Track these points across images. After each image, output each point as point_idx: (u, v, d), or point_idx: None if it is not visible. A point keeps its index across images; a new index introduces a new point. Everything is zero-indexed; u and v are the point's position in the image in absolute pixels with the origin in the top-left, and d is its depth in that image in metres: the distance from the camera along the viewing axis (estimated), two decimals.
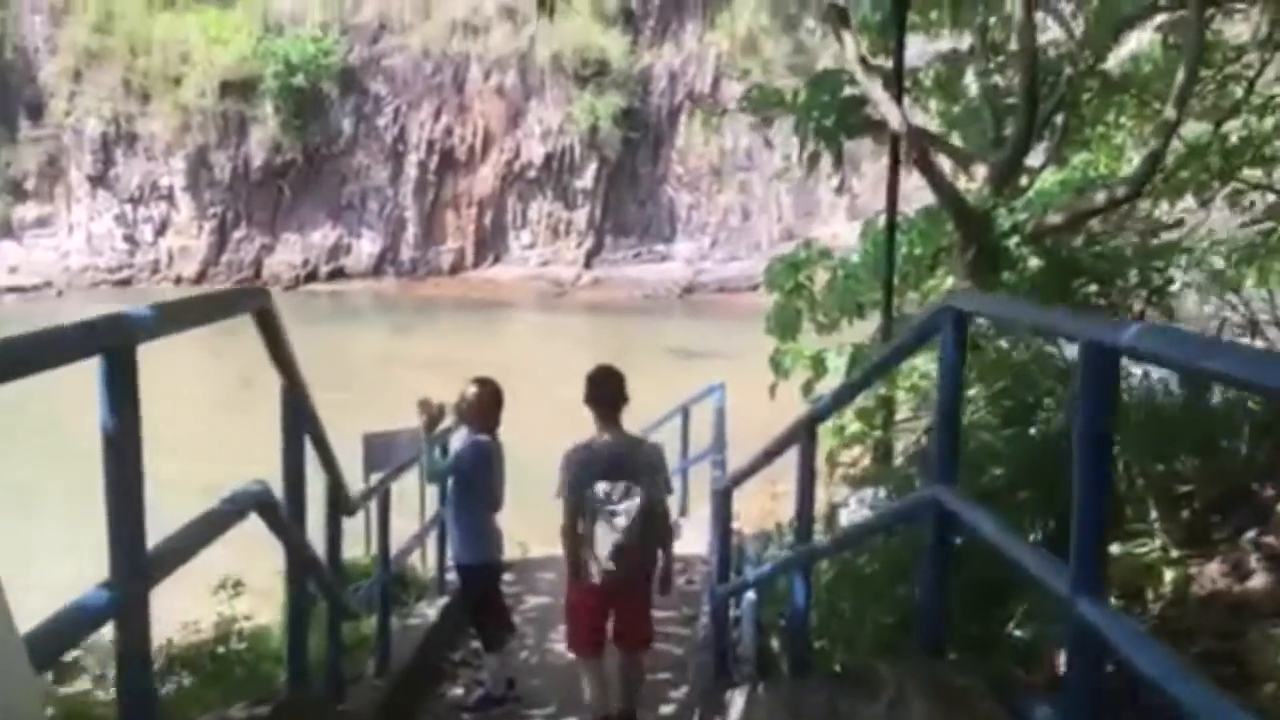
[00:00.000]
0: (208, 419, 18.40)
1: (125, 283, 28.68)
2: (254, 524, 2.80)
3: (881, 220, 8.69)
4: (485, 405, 5.62)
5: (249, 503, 2.63)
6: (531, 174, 29.19)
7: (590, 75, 28.28)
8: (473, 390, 5.67)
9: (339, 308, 28.07)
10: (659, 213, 29.63)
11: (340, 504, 4.22)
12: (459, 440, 5.85)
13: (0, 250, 28.83)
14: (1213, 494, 3.38)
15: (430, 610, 6.49)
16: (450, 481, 5.75)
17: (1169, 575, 3.02)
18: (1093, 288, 6.36)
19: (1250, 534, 3.17)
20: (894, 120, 6.19)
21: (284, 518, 2.99)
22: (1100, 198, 6.22)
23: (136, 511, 1.86)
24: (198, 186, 28.85)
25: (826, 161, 7.93)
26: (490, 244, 29.69)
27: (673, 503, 9.80)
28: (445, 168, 29.28)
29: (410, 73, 29.00)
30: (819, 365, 6.49)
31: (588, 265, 29.31)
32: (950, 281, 6.89)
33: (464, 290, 28.53)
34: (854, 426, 6.51)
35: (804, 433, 4.09)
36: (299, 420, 3.14)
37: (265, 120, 28.44)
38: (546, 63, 28.50)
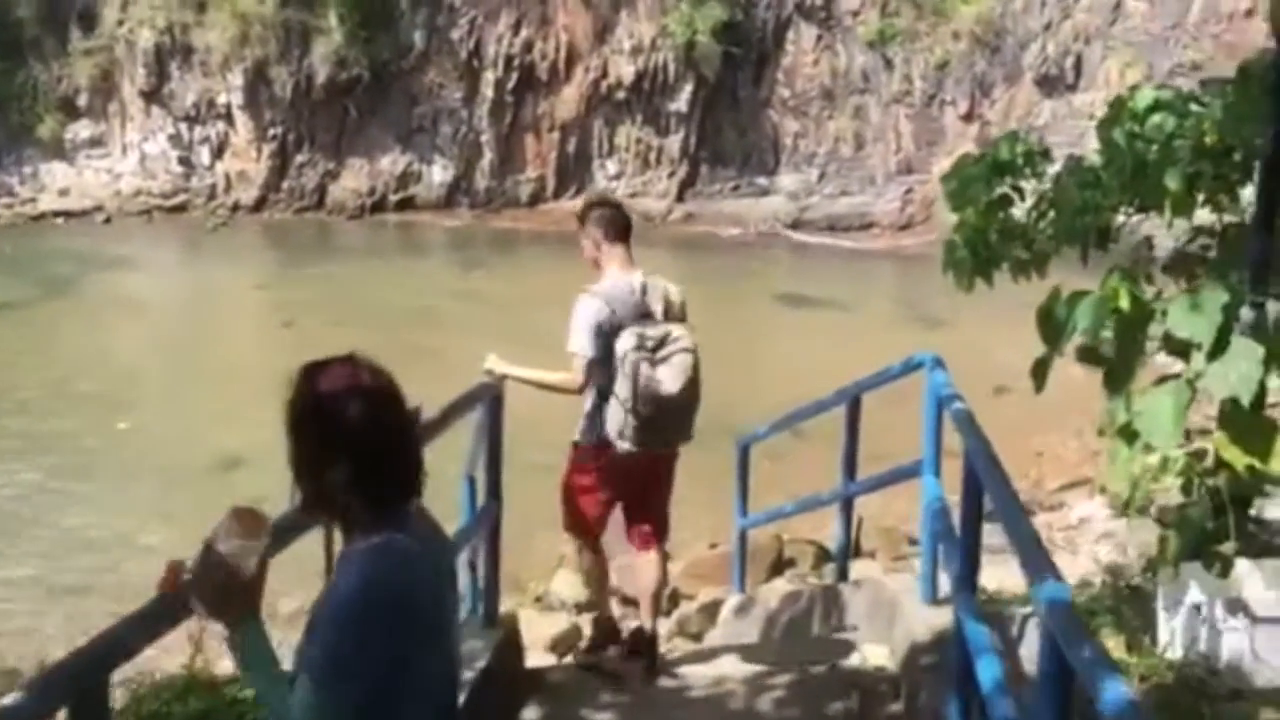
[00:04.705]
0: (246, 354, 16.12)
1: (179, 209, 26.43)
2: None
3: (1141, 97, 5.53)
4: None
5: None
6: (620, 95, 26.12)
7: None
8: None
9: (408, 241, 25.60)
10: (761, 141, 26.41)
11: None
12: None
13: (50, 171, 26.76)
14: None
15: None
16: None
17: None
18: None
19: None
20: None
21: None
22: None
23: None
24: (257, 104, 26.38)
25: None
26: (573, 173, 26.78)
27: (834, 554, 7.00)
28: (524, 88, 26.35)
29: None
30: (1123, 373, 3.13)
31: (680, 198, 26.23)
32: None
33: (543, 224, 25.76)
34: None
35: None
36: None
37: (330, 31, 25.80)
38: None
